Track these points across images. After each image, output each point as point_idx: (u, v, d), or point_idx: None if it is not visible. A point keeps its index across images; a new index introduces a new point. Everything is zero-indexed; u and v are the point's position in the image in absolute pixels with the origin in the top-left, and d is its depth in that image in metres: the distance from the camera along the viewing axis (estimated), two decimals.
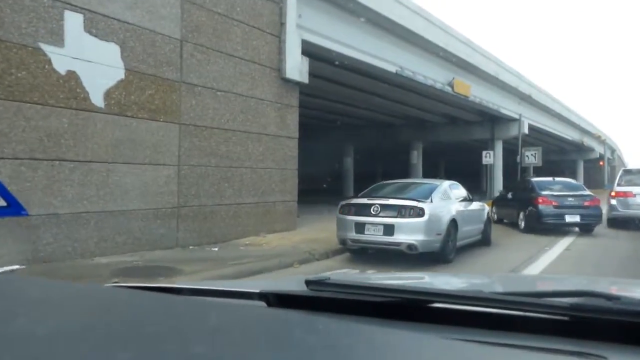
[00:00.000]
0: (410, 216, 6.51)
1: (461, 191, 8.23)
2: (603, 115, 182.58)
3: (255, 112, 9.19)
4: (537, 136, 30.98)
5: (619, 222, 11.56)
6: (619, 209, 11.51)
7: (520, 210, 11.17)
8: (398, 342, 0.64)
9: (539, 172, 39.03)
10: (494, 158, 24.90)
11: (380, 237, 6.62)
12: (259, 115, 9.28)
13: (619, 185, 11.86)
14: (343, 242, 7.09)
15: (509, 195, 12.38)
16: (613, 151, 50.48)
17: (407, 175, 26.96)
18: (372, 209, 6.75)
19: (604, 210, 11.69)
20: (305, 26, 10.57)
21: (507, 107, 23.36)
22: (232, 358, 0.53)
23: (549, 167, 44.47)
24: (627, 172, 12.52)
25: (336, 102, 19.77)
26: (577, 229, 11.01)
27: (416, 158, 27.95)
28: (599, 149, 44.33)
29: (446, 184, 7.82)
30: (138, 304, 0.76)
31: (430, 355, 0.61)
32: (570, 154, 44.25)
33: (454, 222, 7.09)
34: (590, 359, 0.80)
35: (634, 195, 11.39)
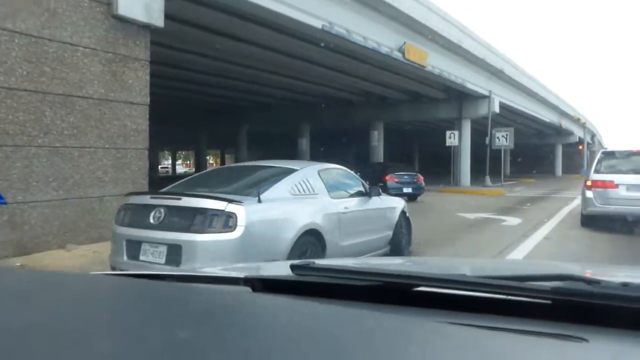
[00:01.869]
0: (210, 229, 3.56)
1: (348, 180, 5.28)
2: (583, 98, 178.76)
3: (59, 62, 6.11)
4: (511, 117, 28.23)
5: (596, 221, 8.66)
6: (597, 204, 8.49)
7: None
8: (383, 325, 0.65)
9: (514, 155, 36.54)
10: (459, 139, 22.12)
11: (162, 268, 3.67)
12: (66, 68, 6.19)
13: (596, 172, 8.78)
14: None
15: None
16: (593, 135, 48.19)
17: (367, 159, 24.13)
18: (152, 216, 3.80)
19: (578, 201, 9.84)
20: None
21: (474, 82, 20.42)
22: (218, 343, 0.53)
23: (526, 152, 42.12)
24: (608, 155, 9.34)
25: (264, 71, 16.66)
26: (545, 235, 8.25)
27: (376, 139, 25.01)
28: (578, 133, 41.94)
29: (312, 168, 4.81)
30: (121, 291, 0.77)
31: (415, 338, 0.63)
32: (549, 138, 41.84)
33: (314, 235, 4.14)
34: (572, 341, 0.79)
35: (617, 186, 8.38)
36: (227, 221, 3.55)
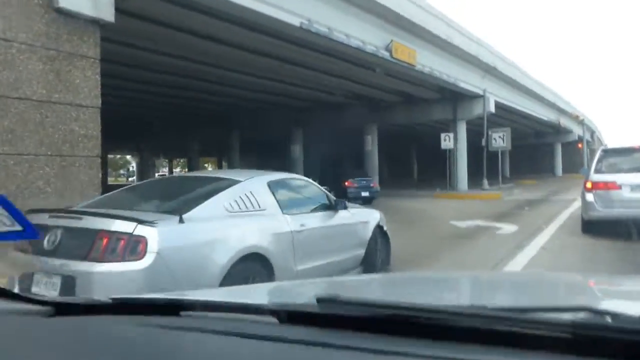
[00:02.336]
0: (111, 256, 2.86)
1: (308, 193, 4.55)
2: (580, 95, 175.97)
3: None
4: (507, 116, 27.52)
5: (599, 227, 7.78)
6: (598, 208, 7.63)
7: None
8: None
9: (513, 156, 35.77)
10: (455, 141, 21.38)
11: None
12: None
13: (597, 172, 7.91)
14: None
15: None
16: (592, 133, 47.43)
17: (361, 165, 23.36)
18: (47, 240, 3.12)
19: (578, 203, 9.12)
20: None
21: (468, 80, 19.70)
22: None
23: (525, 153, 41.35)
24: (609, 152, 8.46)
25: (252, 76, 16.03)
26: (542, 244, 7.55)
27: (370, 144, 24.26)
28: (577, 131, 41.17)
29: (259, 179, 4.05)
30: (142, 334, 0.83)
31: None
32: (548, 137, 41.02)
33: (257, 260, 3.43)
34: None
35: (620, 187, 7.54)
36: (135, 247, 2.84)
